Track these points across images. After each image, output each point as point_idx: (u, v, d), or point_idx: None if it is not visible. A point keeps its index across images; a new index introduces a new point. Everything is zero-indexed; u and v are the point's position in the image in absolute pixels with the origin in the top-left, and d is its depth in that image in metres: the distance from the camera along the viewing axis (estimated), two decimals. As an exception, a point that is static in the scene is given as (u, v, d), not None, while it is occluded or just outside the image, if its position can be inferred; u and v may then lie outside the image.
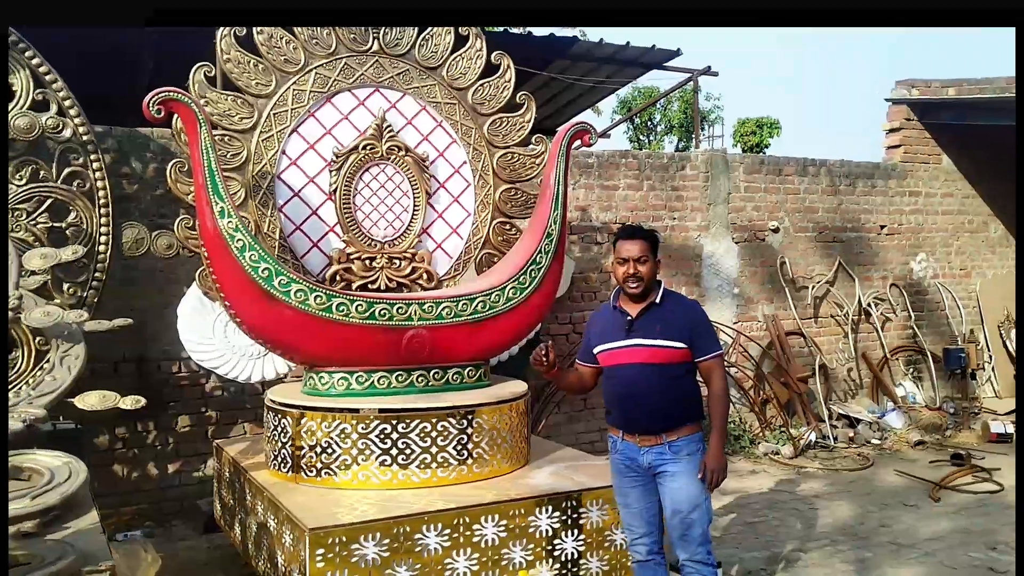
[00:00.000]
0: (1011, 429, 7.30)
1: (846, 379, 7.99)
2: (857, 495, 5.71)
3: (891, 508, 5.40)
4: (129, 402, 3.41)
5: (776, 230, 7.62)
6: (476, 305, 4.07)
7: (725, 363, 3.41)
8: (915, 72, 9.71)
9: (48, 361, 3.59)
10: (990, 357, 8.60)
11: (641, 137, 30.58)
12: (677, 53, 8.18)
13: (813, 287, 7.77)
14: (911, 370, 8.35)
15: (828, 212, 7.94)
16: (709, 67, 8.57)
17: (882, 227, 8.27)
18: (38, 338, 4.05)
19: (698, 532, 3.20)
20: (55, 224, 4.58)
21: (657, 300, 3.32)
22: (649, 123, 30.80)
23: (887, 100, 8.60)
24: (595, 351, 3.40)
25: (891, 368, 8.19)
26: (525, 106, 4.77)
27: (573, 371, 3.54)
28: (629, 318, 3.30)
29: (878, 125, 8.82)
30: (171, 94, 3.65)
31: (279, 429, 3.90)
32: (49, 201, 4.56)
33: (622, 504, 3.39)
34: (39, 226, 4.52)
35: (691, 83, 9.45)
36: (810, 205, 7.85)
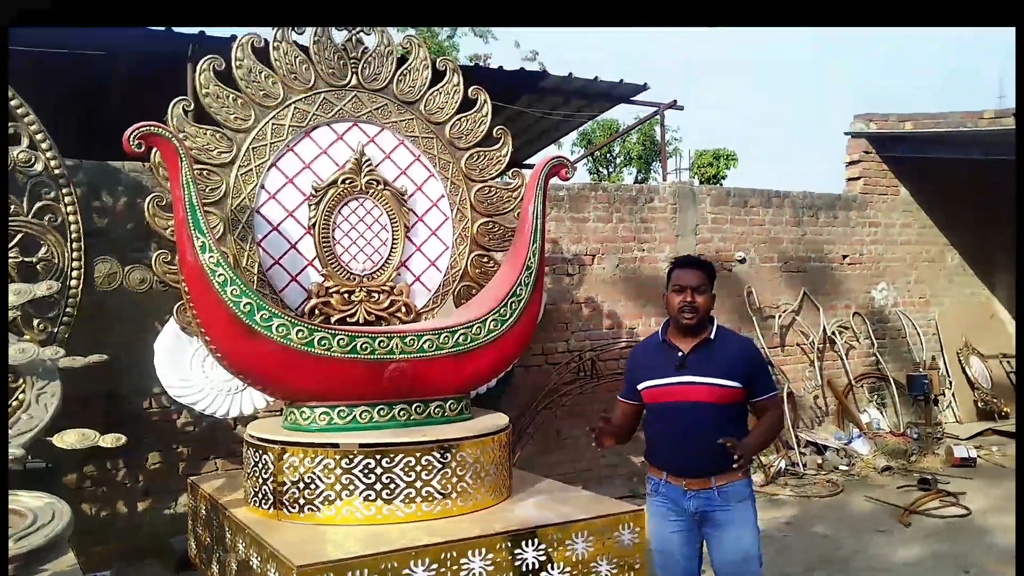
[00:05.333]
0: (974, 453, 7.47)
1: (812, 406, 8.12)
2: (830, 521, 5.79)
3: (864, 534, 5.48)
4: (110, 440, 3.35)
5: (743, 261, 7.75)
6: (458, 337, 4.07)
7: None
8: (873, 106, 10.02)
9: (23, 397, 3.51)
10: (950, 383, 8.80)
11: (601, 169, 30.93)
12: (644, 87, 8.33)
13: (779, 316, 7.91)
14: (875, 396, 8.52)
15: (792, 243, 8.11)
16: (675, 101, 8.74)
17: (844, 257, 8.46)
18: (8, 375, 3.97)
19: None
20: (25, 259, 4.50)
21: (712, 336, 3.17)
22: (608, 155, 31.19)
23: (846, 134, 8.85)
24: (640, 387, 3.24)
25: (855, 395, 8.34)
26: (502, 140, 4.82)
27: (617, 417, 3.40)
28: (681, 353, 3.15)
29: (836, 156, 9.08)
30: (152, 129, 3.63)
31: (260, 465, 3.85)
32: (19, 236, 4.50)
33: (659, 551, 3.24)
34: (9, 261, 4.44)
35: (652, 116, 9.68)
36: (775, 236, 8.01)
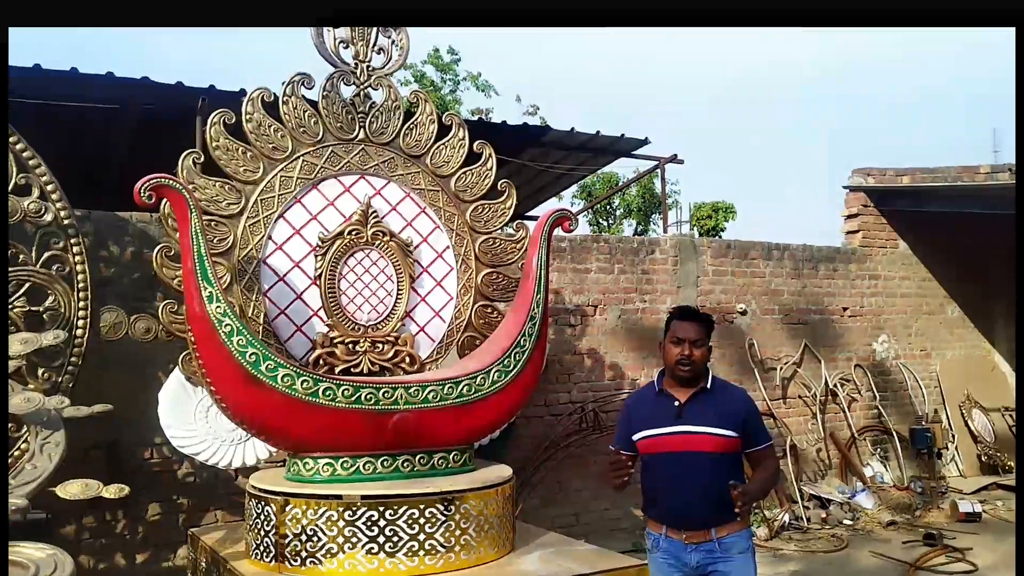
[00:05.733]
0: (979, 508, 7.41)
1: (815, 459, 8.06)
2: (835, 577, 5.72)
3: (870, 590, 5.42)
4: (113, 491, 3.34)
5: (744, 312, 7.78)
6: (462, 388, 4.08)
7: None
8: (866, 161, 10.22)
9: (26, 446, 3.51)
10: (953, 436, 8.76)
11: (601, 221, 31.13)
12: (645, 142, 8.46)
13: (781, 368, 7.91)
14: (878, 450, 8.47)
15: (793, 295, 8.15)
16: (676, 155, 8.86)
17: (844, 309, 8.49)
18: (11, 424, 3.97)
19: None
20: (32, 308, 4.53)
21: (708, 385, 3.21)
22: (608, 207, 31.43)
23: (845, 187, 8.95)
24: (636, 438, 3.23)
25: (858, 448, 8.29)
26: (507, 193, 4.89)
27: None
28: (677, 403, 3.17)
29: (834, 210, 9.17)
30: (163, 181, 3.69)
31: (262, 516, 3.83)
32: (27, 285, 4.53)
33: None
34: (15, 310, 4.46)
35: (653, 169, 9.83)
36: (775, 288, 8.05)
